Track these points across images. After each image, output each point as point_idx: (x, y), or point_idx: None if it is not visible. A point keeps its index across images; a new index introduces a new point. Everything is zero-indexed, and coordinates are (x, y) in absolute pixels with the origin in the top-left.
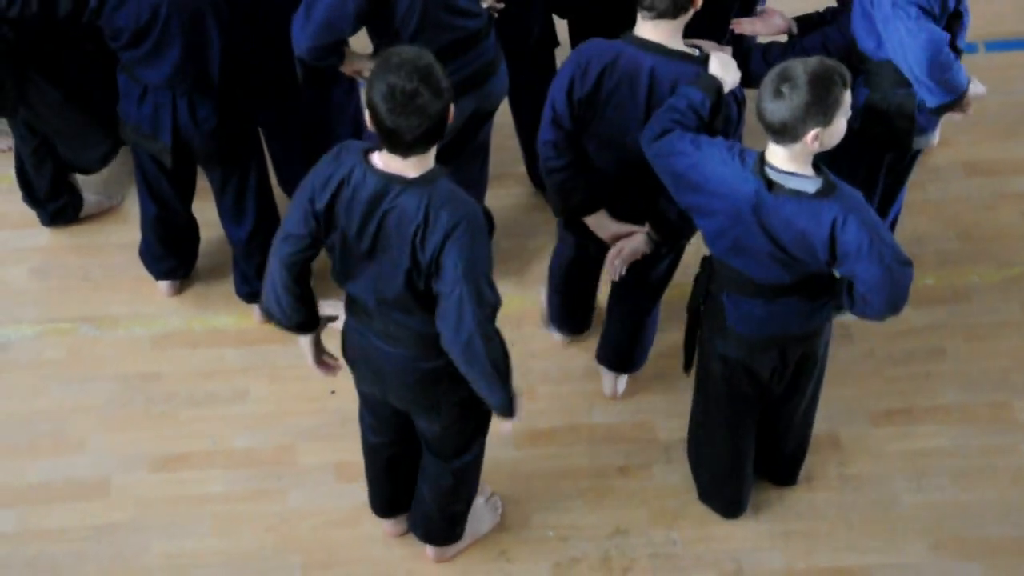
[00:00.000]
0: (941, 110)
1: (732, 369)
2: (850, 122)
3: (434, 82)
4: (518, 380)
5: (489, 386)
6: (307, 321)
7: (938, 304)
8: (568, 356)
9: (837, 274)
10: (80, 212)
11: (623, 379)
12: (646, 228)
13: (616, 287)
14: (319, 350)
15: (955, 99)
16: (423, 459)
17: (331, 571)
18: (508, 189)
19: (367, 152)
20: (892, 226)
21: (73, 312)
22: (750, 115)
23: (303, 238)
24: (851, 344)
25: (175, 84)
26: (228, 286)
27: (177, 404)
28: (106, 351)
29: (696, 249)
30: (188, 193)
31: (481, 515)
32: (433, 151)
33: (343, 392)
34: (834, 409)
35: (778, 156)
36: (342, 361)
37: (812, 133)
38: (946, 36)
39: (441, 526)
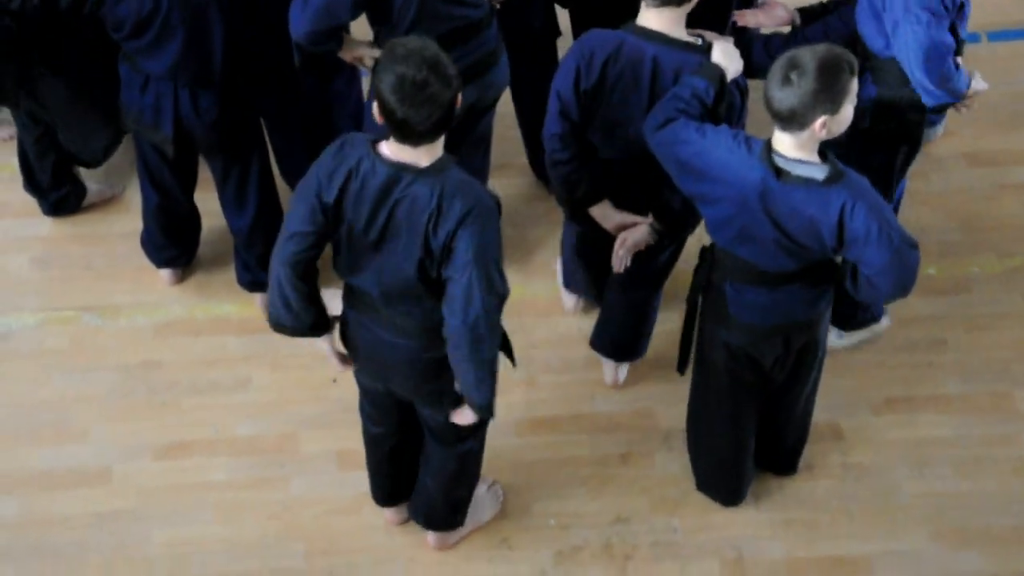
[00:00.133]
0: (939, 109)
1: (735, 358)
2: (859, 121)
3: (442, 71)
4: (519, 369)
5: (479, 379)
6: (319, 321)
7: (940, 294)
8: (569, 345)
9: (839, 260)
10: (82, 202)
11: (624, 367)
12: (649, 219)
13: (618, 276)
14: (336, 348)
15: (953, 100)
16: (426, 446)
17: (333, 559)
18: (510, 179)
19: (374, 143)
20: None
21: (75, 301)
22: (754, 104)
23: (308, 235)
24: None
25: (177, 75)
26: (230, 274)
27: (179, 392)
28: (108, 340)
29: (697, 239)
30: (190, 182)
31: (483, 503)
32: (442, 140)
33: (345, 380)
34: (836, 398)
35: (785, 144)
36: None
37: (820, 121)
38: (951, 46)
39: (443, 512)
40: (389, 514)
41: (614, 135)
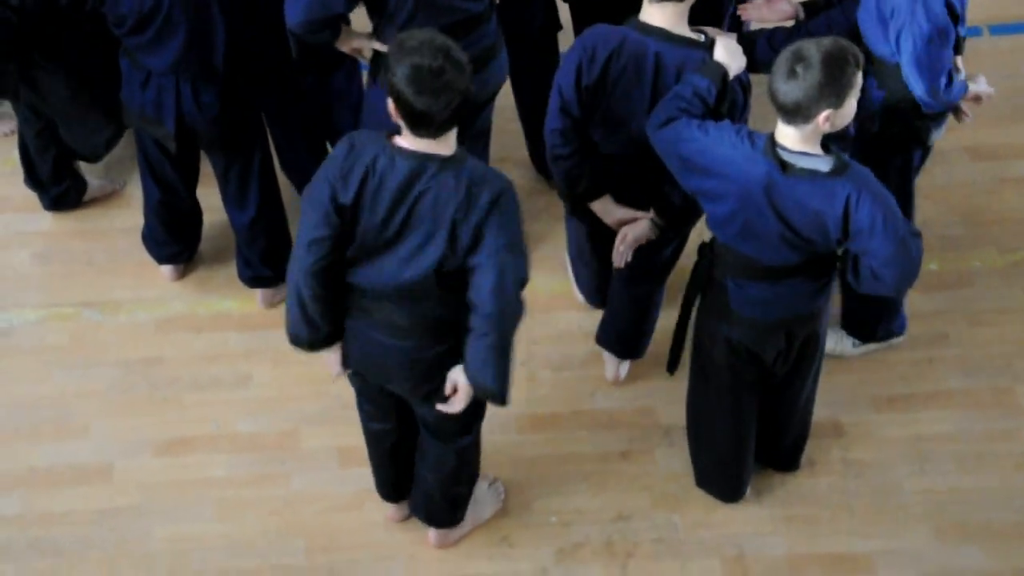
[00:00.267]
0: (936, 116)
1: (736, 353)
2: (869, 126)
3: (455, 57)
4: (519, 366)
5: (498, 364)
6: (335, 331)
7: (941, 289)
8: (570, 341)
9: (839, 252)
10: (83, 197)
11: (625, 364)
12: (651, 214)
13: (620, 272)
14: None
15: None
16: (423, 443)
17: (334, 555)
18: (510, 173)
19: (389, 137)
20: None
21: (76, 297)
22: (756, 100)
23: (326, 240)
24: None
25: (179, 70)
26: (231, 270)
27: (180, 389)
28: (109, 336)
29: (698, 235)
30: (192, 178)
31: (484, 500)
32: (455, 131)
33: (345, 377)
34: (836, 394)
35: (789, 137)
36: None
37: (824, 114)
38: (949, 63)
39: (443, 508)
40: (390, 511)
41: (616, 131)
